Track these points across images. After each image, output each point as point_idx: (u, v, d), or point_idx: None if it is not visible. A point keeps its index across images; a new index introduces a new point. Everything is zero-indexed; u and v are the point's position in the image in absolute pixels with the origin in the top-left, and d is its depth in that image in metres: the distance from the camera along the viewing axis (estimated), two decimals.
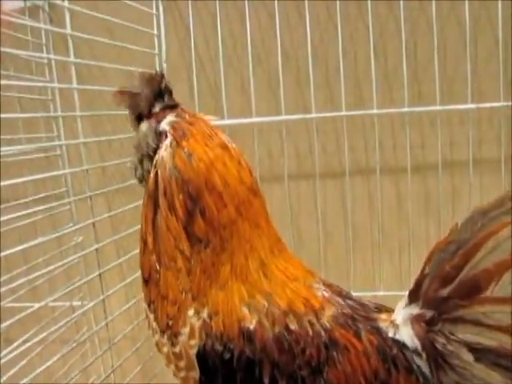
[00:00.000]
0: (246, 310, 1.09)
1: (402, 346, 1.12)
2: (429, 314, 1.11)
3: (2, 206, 1.55)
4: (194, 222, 1.11)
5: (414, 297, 1.14)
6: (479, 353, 1.05)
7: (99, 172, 2.06)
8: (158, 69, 1.29)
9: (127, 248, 1.82)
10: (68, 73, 1.64)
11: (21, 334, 1.52)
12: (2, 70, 1.46)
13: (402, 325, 1.14)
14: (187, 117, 1.20)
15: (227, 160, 1.16)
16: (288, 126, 1.91)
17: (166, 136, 1.16)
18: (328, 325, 1.11)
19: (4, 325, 1.35)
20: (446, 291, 1.09)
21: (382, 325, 1.15)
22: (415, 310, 1.14)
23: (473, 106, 1.74)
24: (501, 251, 1.03)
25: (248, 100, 1.87)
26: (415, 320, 1.13)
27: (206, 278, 1.11)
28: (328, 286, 1.21)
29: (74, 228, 1.66)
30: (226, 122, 1.89)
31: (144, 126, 1.20)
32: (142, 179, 1.23)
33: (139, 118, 1.21)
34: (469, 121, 1.77)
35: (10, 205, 1.60)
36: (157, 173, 1.14)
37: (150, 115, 1.19)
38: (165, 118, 1.18)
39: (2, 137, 1.61)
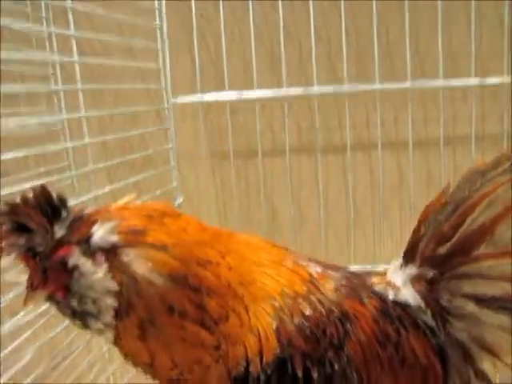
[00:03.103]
0: (274, 324, 1.04)
1: (404, 305, 1.15)
2: (429, 273, 1.14)
3: (3, 180, 1.55)
4: (207, 310, 0.99)
5: (409, 257, 1.17)
6: (485, 302, 1.09)
7: (100, 146, 2.06)
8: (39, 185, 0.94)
9: None
10: (69, 47, 1.63)
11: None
12: (2, 43, 1.45)
13: (402, 286, 1.16)
14: (112, 215, 0.97)
15: (178, 222, 1.02)
16: (290, 101, 1.90)
17: (117, 248, 0.93)
18: (334, 298, 1.12)
19: (8, 296, 1.36)
20: (444, 250, 1.12)
21: (379, 288, 1.17)
22: (413, 270, 1.17)
23: (476, 81, 1.73)
24: (497, 206, 1.06)
25: (250, 75, 1.85)
26: (415, 280, 1.16)
27: (238, 344, 1.02)
28: (315, 261, 1.22)
29: (75, 202, 1.66)
30: (228, 97, 1.88)
31: (76, 259, 0.93)
32: (105, 327, 0.98)
33: (44, 262, 0.93)
34: (472, 96, 1.76)
35: (12, 178, 1.60)
36: (141, 297, 0.94)
37: (58, 247, 0.93)
38: (89, 233, 0.93)
39: (3, 111, 1.60)
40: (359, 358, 1.10)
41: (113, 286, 0.93)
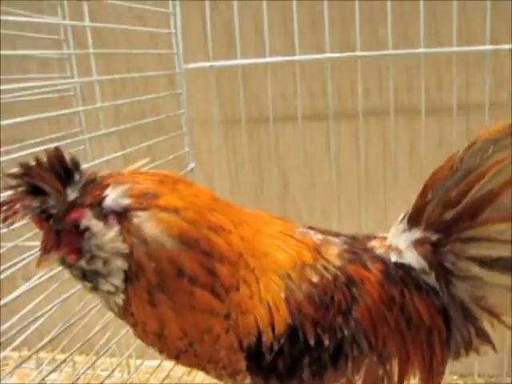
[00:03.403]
0: (283, 294, 1.06)
1: (407, 267, 1.18)
2: (433, 236, 1.16)
3: (18, 145, 1.57)
4: (218, 276, 0.99)
5: (414, 222, 1.19)
6: (490, 263, 1.11)
7: (112, 112, 2.07)
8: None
9: None
10: (80, 12, 1.62)
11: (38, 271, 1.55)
12: (14, 9, 1.45)
13: (405, 249, 1.19)
14: (124, 179, 0.99)
15: (191, 189, 1.04)
16: (302, 67, 1.88)
17: (128, 211, 0.95)
18: (339, 264, 1.14)
19: (21, 264, 1.38)
20: (450, 215, 1.13)
21: (380, 251, 1.20)
22: (417, 234, 1.19)
23: (490, 47, 1.71)
24: (505, 174, 1.07)
25: (262, 40, 1.84)
26: (419, 243, 1.18)
27: (248, 313, 1.03)
28: (314, 229, 1.23)
29: (88, 165, 1.67)
30: (240, 62, 1.87)
31: (88, 221, 0.94)
32: (115, 289, 0.99)
33: (57, 224, 0.94)
34: (486, 63, 1.74)
35: (26, 143, 1.61)
36: (152, 259, 0.95)
37: (71, 209, 0.94)
38: (102, 196, 0.95)
39: (16, 77, 1.61)
40: (367, 322, 1.12)
41: (123, 247, 0.95)
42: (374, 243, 1.22)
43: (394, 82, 1.81)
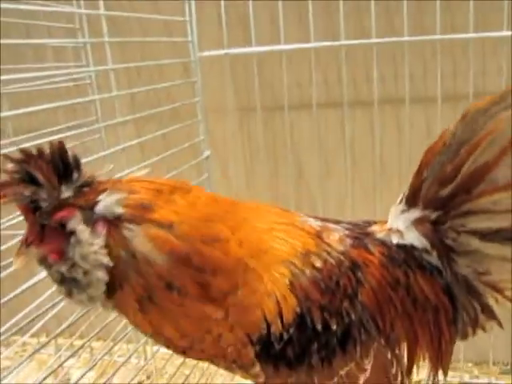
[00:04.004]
0: (287, 281, 1.05)
1: (409, 248, 1.18)
2: (433, 214, 1.16)
3: (36, 133, 1.58)
4: (211, 286, 0.98)
5: (412, 202, 1.18)
6: (490, 235, 1.10)
7: (128, 100, 2.07)
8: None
9: (156, 173, 1.84)
10: (95, 1, 1.63)
11: None
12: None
13: (405, 230, 1.19)
14: (121, 187, 0.96)
15: (187, 197, 1.01)
16: (317, 54, 1.88)
17: (120, 221, 0.92)
18: (341, 248, 1.15)
19: None
20: (447, 190, 1.12)
21: (381, 235, 1.20)
22: (416, 213, 1.18)
23: (508, 33, 1.69)
24: (499, 143, 1.05)
25: (277, 27, 1.83)
26: (419, 222, 1.18)
27: (252, 309, 1.02)
28: (313, 216, 1.23)
29: (104, 153, 1.68)
30: (255, 49, 1.87)
31: (76, 224, 0.92)
32: (90, 299, 0.97)
33: (44, 218, 0.92)
34: (503, 50, 1.73)
35: (44, 132, 1.63)
36: (139, 274, 0.93)
37: (62, 207, 0.91)
38: (95, 200, 0.93)
39: (32, 66, 1.62)
40: (373, 305, 1.13)
41: (107, 260, 0.92)
42: (374, 228, 1.23)
43: (409, 69, 1.80)
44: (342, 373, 1.11)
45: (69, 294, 0.97)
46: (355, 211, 1.91)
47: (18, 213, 0.96)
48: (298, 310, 1.05)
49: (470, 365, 2.14)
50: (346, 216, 1.91)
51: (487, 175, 1.07)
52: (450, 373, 2.05)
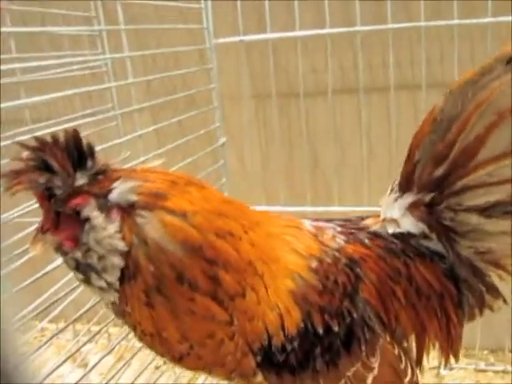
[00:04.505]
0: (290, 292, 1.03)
1: (406, 236, 1.16)
2: (427, 197, 1.13)
3: (53, 121, 1.59)
4: (221, 284, 0.95)
5: (405, 187, 1.16)
6: (488, 210, 1.08)
7: (144, 88, 2.08)
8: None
9: (172, 161, 1.85)
10: None
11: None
12: None
13: (400, 217, 1.17)
14: (136, 176, 0.95)
15: (202, 192, 1.00)
16: (332, 40, 1.87)
17: (133, 208, 0.91)
18: (336, 246, 1.12)
19: None
20: (441, 170, 1.10)
21: (376, 227, 1.18)
22: (409, 198, 1.15)
23: None
24: (490, 114, 1.02)
25: (292, 14, 1.83)
26: (413, 207, 1.15)
27: (256, 320, 1.00)
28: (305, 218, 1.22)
29: (120, 140, 1.69)
30: (270, 35, 1.87)
31: (90, 211, 0.91)
32: (107, 286, 0.95)
33: (59, 206, 0.92)
34: None
35: (60, 120, 1.64)
36: (150, 261, 0.92)
37: (76, 194, 0.91)
38: (110, 188, 0.92)
39: (48, 54, 1.63)
40: (375, 300, 1.11)
41: (122, 245, 0.92)
42: (367, 222, 1.21)
43: (425, 54, 1.79)
44: (349, 374, 1.08)
45: (86, 281, 0.96)
46: (371, 198, 1.90)
47: (34, 200, 0.97)
48: (302, 324, 1.03)
49: (485, 352, 2.14)
50: (363, 203, 1.92)
51: (480, 148, 1.04)
52: (466, 360, 2.08)
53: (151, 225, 0.91)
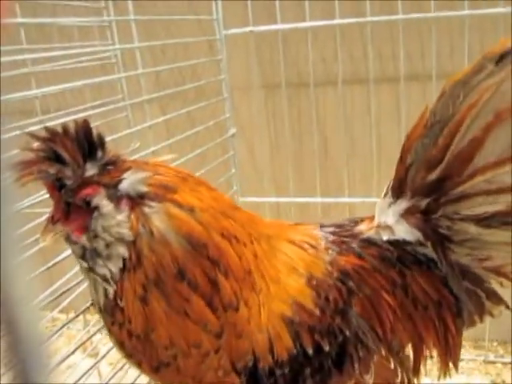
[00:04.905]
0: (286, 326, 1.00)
1: (401, 243, 1.10)
2: (422, 202, 1.07)
3: (63, 112, 1.59)
4: (219, 289, 0.93)
5: (398, 192, 1.10)
6: (486, 220, 1.02)
7: (153, 79, 2.08)
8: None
9: (181, 152, 1.86)
10: None
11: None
12: None
13: (394, 223, 1.11)
14: (147, 168, 0.95)
15: (212, 193, 0.99)
16: (342, 30, 1.87)
17: (143, 199, 0.91)
18: (328, 258, 1.08)
19: None
20: (435, 175, 1.04)
21: (370, 234, 1.12)
22: (404, 204, 1.10)
23: None
24: (485, 116, 0.97)
25: (301, 4, 1.82)
26: (408, 214, 1.09)
27: (243, 338, 0.97)
28: (299, 224, 1.18)
29: (130, 131, 1.69)
30: (280, 26, 1.86)
31: (100, 200, 0.91)
32: (110, 276, 0.94)
33: (69, 196, 0.91)
34: None
35: (70, 111, 1.64)
36: (153, 252, 0.91)
37: (86, 185, 0.91)
38: (120, 178, 0.92)
39: (58, 45, 1.63)
40: (369, 314, 1.06)
41: (128, 234, 0.91)
42: (361, 227, 1.15)
43: (436, 45, 1.78)
44: None
45: (91, 269, 0.95)
46: (381, 189, 1.89)
47: (44, 191, 0.97)
48: (294, 350, 0.99)
49: (494, 344, 2.14)
50: (373, 193, 1.92)
51: (477, 152, 0.99)
52: (475, 351, 2.08)
53: (158, 215, 0.91)
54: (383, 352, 1.08)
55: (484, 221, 1.03)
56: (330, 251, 1.09)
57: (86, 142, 0.90)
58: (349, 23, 1.81)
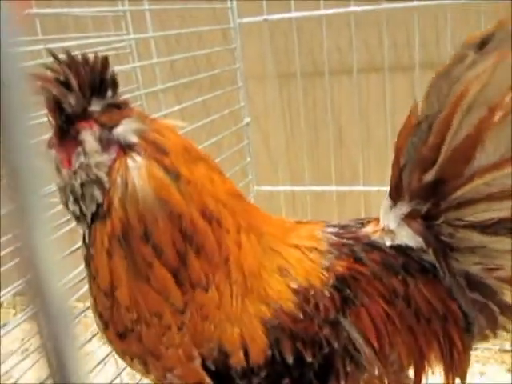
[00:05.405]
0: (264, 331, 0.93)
1: (405, 249, 1.02)
2: (422, 207, 1.00)
3: None
4: (187, 266, 0.88)
5: (396, 195, 1.03)
6: (492, 227, 0.95)
7: (168, 68, 2.08)
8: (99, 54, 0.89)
9: (196, 141, 1.86)
10: None
11: None
12: None
13: (396, 228, 1.03)
14: (149, 123, 0.91)
15: (211, 173, 0.94)
16: (357, 18, 1.85)
17: (130, 150, 0.88)
18: (326, 263, 1.00)
19: None
20: (431, 175, 0.97)
21: (375, 237, 1.05)
22: (404, 208, 1.02)
23: None
24: (478, 107, 0.90)
25: None
26: (409, 218, 1.02)
27: (208, 322, 0.91)
28: (302, 222, 1.12)
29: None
30: (294, 15, 1.85)
31: (87, 135, 0.88)
32: (81, 215, 0.92)
33: (66, 123, 0.88)
34: None
35: None
36: (123, 206, 0.87)
37: (85, 118, 0.88)
38: (118, 122, 0.88)
39: (73, 35, 1.64)
40: (365, 324, 0.98)
41: (105, 180, 0.88)
42: (367, 229, 1.07)
43: (451, 33, 1.76)
44: None
45: (65, 204, 0.93)
46: None
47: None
48: (269, 352, 0.92)
49: (510, 333, 2.12)
50: (387, 183, 1.90)
51: (473, 152, 0.91)
52: (490, 340, 2.05)
53: (138, 171, 0.86)
54: (377, 370, 0.99)
55: (489, 228, 0.95)
56: (329, 255, 1.02)
57: (99, 78, 0.87)
58: (363, 11, 1.80)
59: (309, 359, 0.93)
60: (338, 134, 2.12)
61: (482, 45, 0.89)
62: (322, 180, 2.08)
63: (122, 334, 0.93)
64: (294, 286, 0.96)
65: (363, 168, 1.98)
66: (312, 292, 0.96)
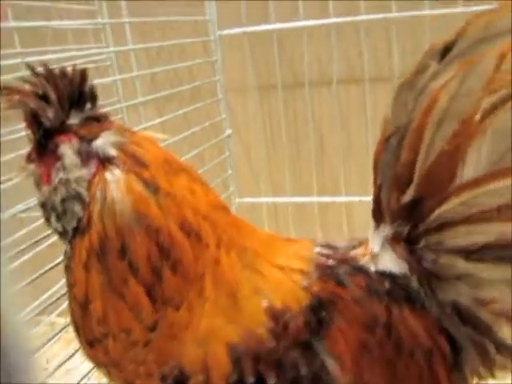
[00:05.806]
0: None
1: (389, 275, 0.95)
2: (404, 229, 0.93)
3: None
4: (162, 281, 0.85)
5: (378, 216, 0.96)
6: (478, 253, 0.87)
7: (149, 81, 2.08)
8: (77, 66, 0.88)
9: (178, 152, 1.85)
10: None
11: None
12: None
13: (380, 252, 0.96)
14: (129, 135, 0.89)
15: (193, 185, 0.91)
16: (337, 30, 1.86)
17: (109, 163, 0.86)
18: (304, 283, 0.93)
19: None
20: (409, 196, 0.90)
21: (364, 260, 0.97)
22: (387, 229, 0.96)
23: None
24: (450, 120, 0.84)
25: (295, 4, 1.82)
26: (393, 241, 0.95)
27: (176, 341, 0.87)
28: (291, 240, 1.05)
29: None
30: (274, 26, 1.86)
31: (66, 149, 0.86)
32: (63, 231, 0.90)
33: (44, 137, 0.87)
34: None
35: None
36: (101, 220, 0.85)
37: (64, 131, 0.87)
38: (97, 135, 0.87)
39: (52, 48, 1.63)
40: (341, 350, 0.89)
41: (85, 194, 0.86)
42: (357, 251, 0.99)
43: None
44: None
45: (47, 220, 0.92)
46: None
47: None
48: (233, 379, 0.86)
49: None
50: (370, 192, 1.90)
51: (449, 169, 0.85)
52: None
53: (117, 185, 0.84)
54: None
55: (474, 254, 0.87)
56: (312, 276, 0.94)
57: (78, 90, 0.86)
58: (344, 22, 1.81)
59: (271, 382, 0.86)
60: (319, 145, 2.13)
61: (445, 53, 0.86)
62: (304, 191, 2.08)
63: (91, 343, 0.91)
64: (269, 308, 0.89)
65: (345, 179, 1.98)
66: (284, 312, 0.89)
